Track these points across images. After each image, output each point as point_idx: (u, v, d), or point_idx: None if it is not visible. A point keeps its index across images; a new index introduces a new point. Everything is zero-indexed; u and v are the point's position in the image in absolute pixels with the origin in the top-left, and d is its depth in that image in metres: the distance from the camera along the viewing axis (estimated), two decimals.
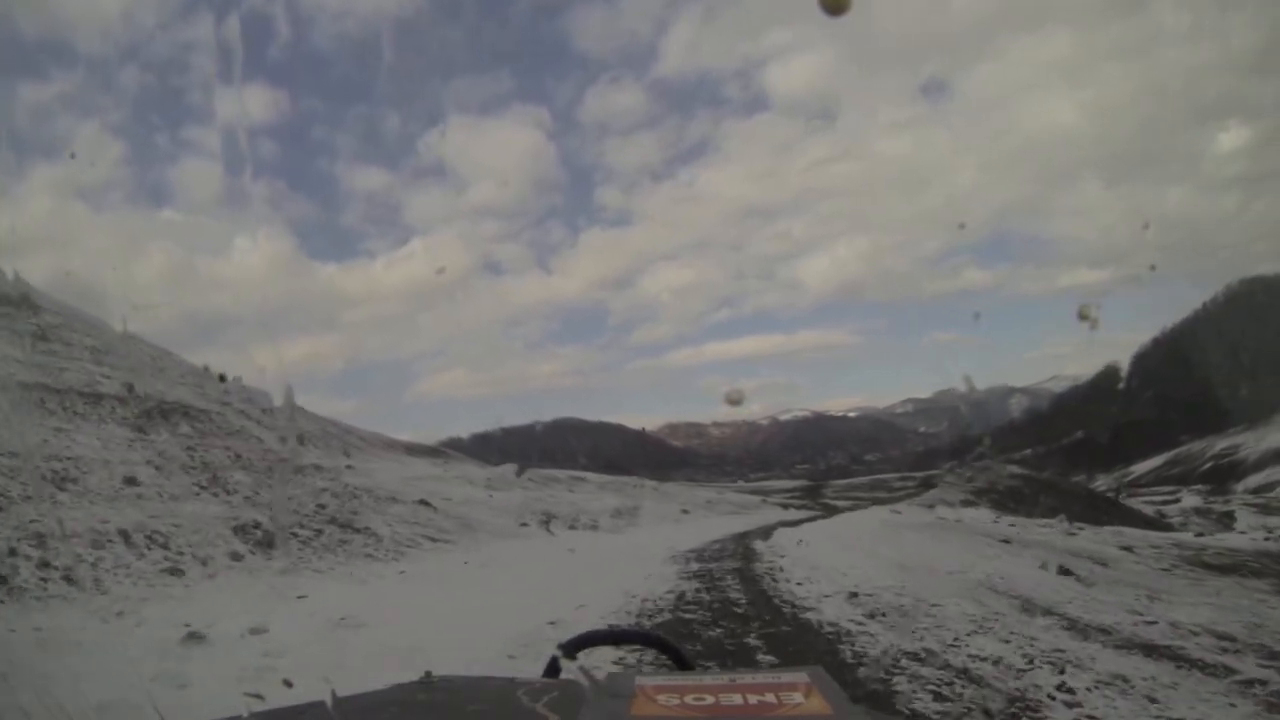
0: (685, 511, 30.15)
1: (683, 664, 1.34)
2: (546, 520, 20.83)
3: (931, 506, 33.67)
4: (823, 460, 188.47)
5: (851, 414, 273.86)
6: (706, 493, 42.39)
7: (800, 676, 0.90)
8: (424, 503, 16.92)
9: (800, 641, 6.12)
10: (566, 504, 25.64)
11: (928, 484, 57.20)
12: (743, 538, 18.42)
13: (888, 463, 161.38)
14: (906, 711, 4.08)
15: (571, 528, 21.12)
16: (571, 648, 1.26)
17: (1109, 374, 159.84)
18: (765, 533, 19.15)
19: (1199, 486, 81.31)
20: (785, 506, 40.27)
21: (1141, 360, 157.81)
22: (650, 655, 4.65)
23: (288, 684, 4.58)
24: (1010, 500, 39.83)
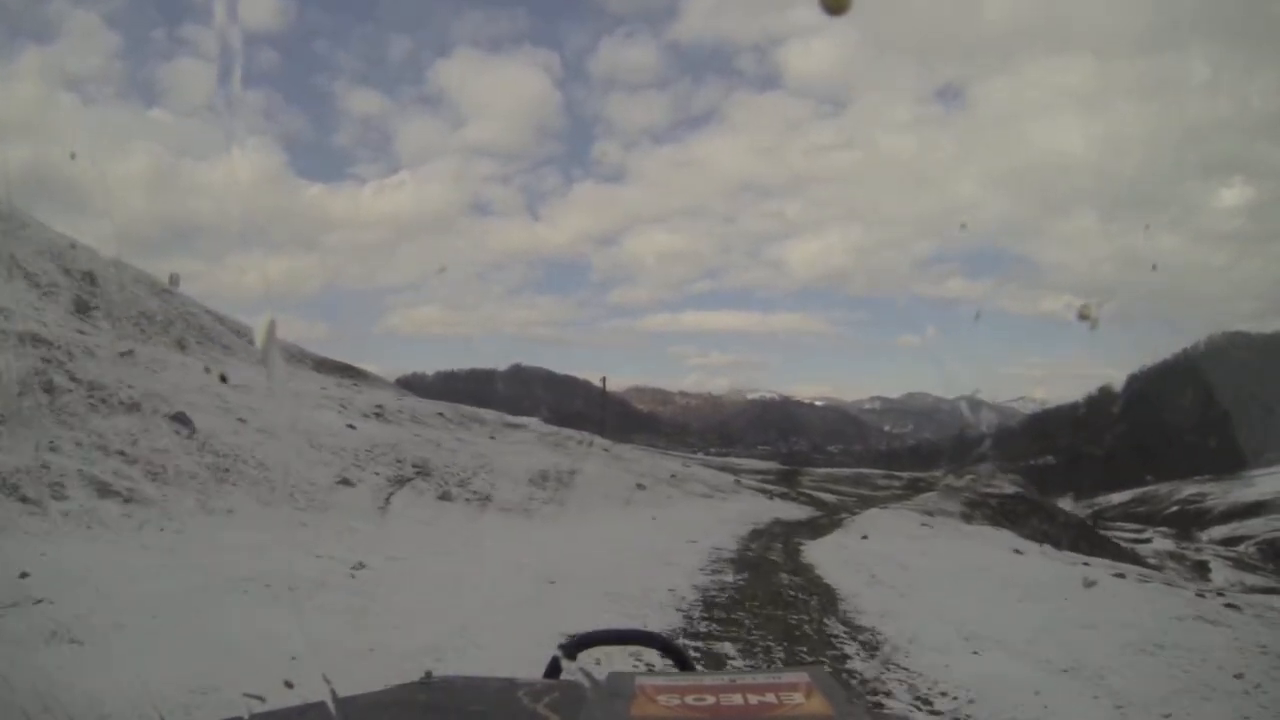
0: (640, 487, 24.42)
1: (683, 664, 1.38)
2: (399, 481, 14.35)
3: (931, 514, 29.86)
4: (785, 444, 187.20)
5: (818, 402, 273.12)
6: (670, 463, 36.83)
7: (801, 676, 0.89)
8: (180, 419, 10.75)
9: None
10: (470, 456, 19.53)
11: (914, 486, 54.12)
12: (764, 575, 11.18)
13: (850, 456, 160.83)
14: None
15: (444, 497, 14.83)
16: (572, 648, 1.29)
17: (1080, 404, 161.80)
18: (794, 560, 13.44)
19: (1164, 529, 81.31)
20: (767, 494, 34.97)
21: (1113, 396, 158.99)
22: (651, 656, 4.34)
23: (288, 685, 4.13)
24: (1002, 518, 37.87)
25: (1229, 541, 77.25)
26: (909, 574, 11.57)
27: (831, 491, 45.73)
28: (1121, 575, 12.91)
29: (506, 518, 14.77)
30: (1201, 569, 45.51)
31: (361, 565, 7.83)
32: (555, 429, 39.59)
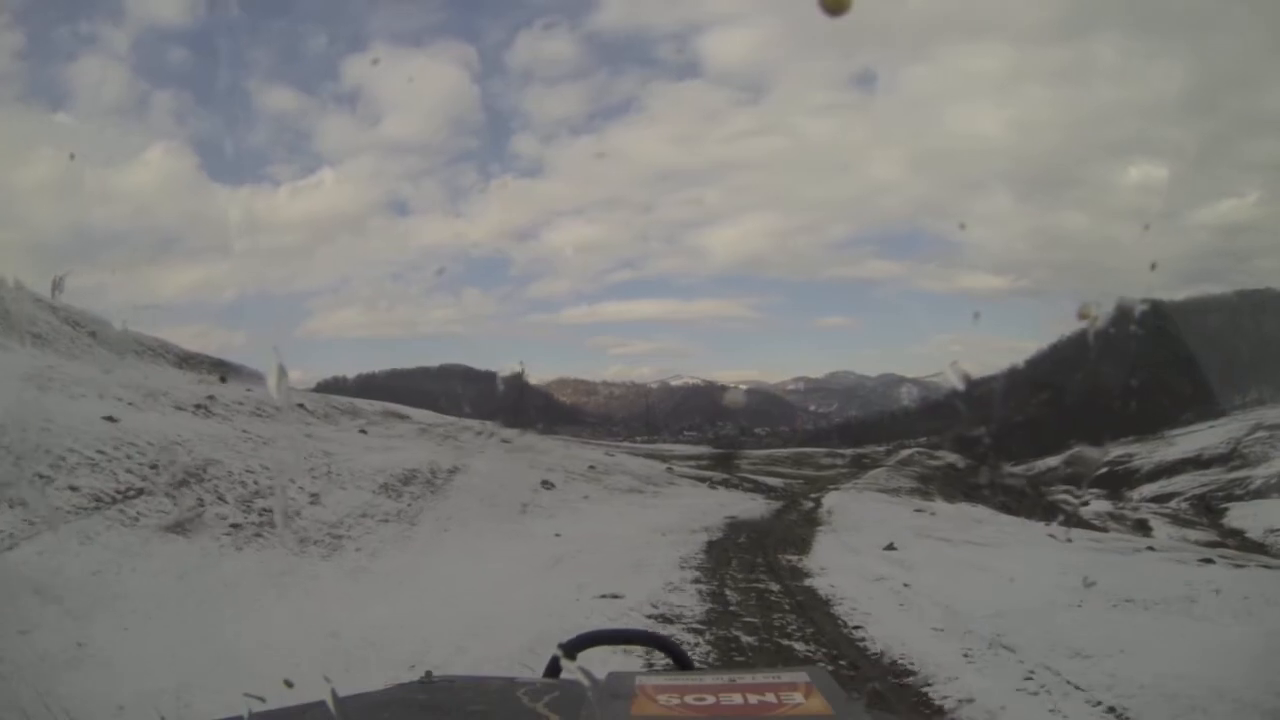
0: (547, 486, 18.26)
1: (683, 664, 1.41)
2: (114, 499, 8.54)
3: (895, 492, 29.04)
4: (712, 429, 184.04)
5: (742, 386, 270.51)
6: (591, 453, 30.74)
7: (800, 676, 0.90)
8: None
9: None
10: (301, 457, 14.58)
11: (859, 463, 50.53)
12: None
13: (777, 437, 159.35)
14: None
15: (177, 526, 9.15)
16: (572, 648, 1.33)
17: (1003, 375, 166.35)
18: (826, 632, 7.96)
19: (1095, 490, 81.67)
20: (709, 483, 28.92)
21: (1035, 365, 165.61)
22: (651, 655, 4.30)
23: (288, 684, 3.54)
24: (954, 490, 38.18)
25: (1159, 499, 77.27)
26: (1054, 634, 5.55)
27: (776, 474, 40.36)
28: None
29: (270, 560, 8.17)
30: (1143, 527, 44.62)
31: None
32: (453, 419, 33.45)
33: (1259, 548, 42.52)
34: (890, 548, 11.03)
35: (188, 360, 27.55)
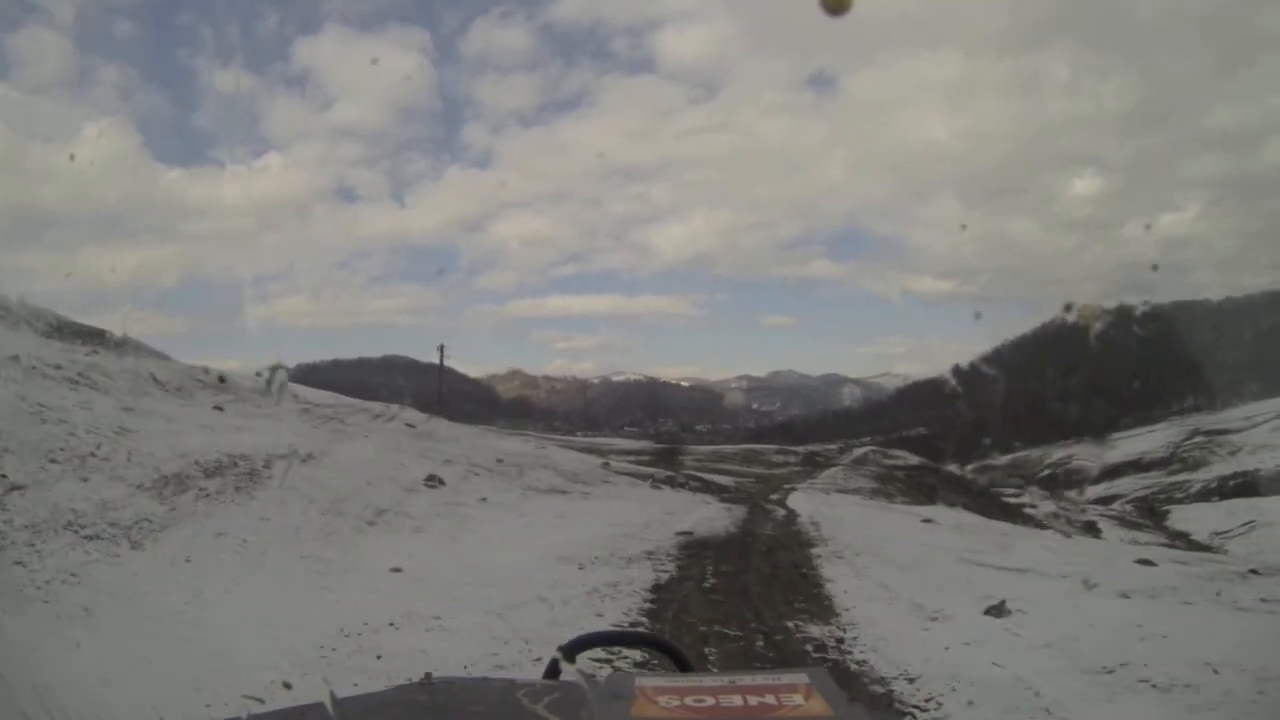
0: (432, 483, 13.42)
1: (683, 665, 1.33)
2: None
3: (856, 492, 26.15)
4: (653, 425, 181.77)
5: (684, 383, 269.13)
6: (511, 443, 25.49)
7: (800, 678, 0.89)
8: None
9: None
10: (95, 431, 7.74)
11: (811, 460, 46.85)
12: None
13: (719, 435, 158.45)
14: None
15: None
16: (572, 649, 1.25)
17: (946, 377, 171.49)
18: None
19: (1040, 491, 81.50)
20: (650, 481, 23.88)
21: (978, 368, 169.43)
22: (651, 657, 3.94)
23: (287, 685, 4.04)
24: (914, 490, 36.09)
25: (1103, 500, 78.07)
26: None
27: (725, 472, 35.62)
28: None
29: None
30: (1091, 529, 44.15)
31: None
32: (353, 401, 28.35)
33: (1207, 549, 41.63)
34: (997, 610, 6.07)
35: (62, 329, 23.29)
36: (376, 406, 26.08)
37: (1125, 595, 7.96)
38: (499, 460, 19.88)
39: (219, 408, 18.58)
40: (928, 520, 14.71)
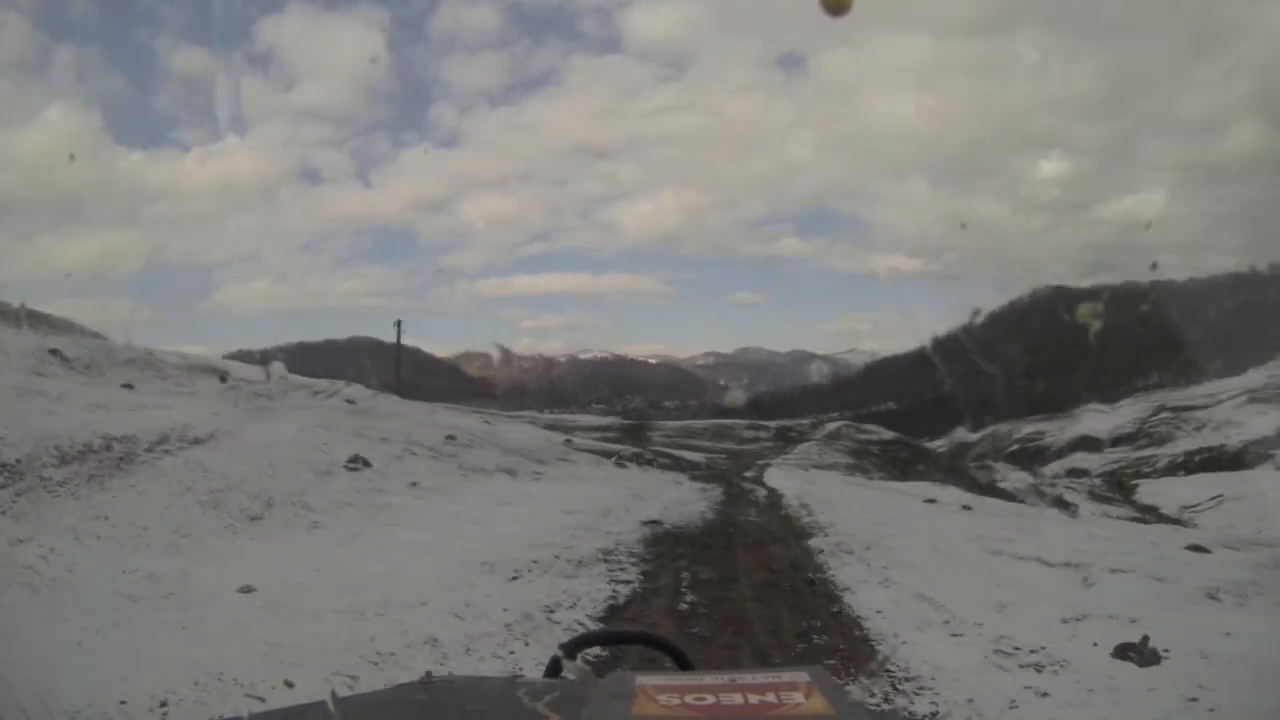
0: (355, 465, 10.91)
1: (683, 664, 1.30)
2: None
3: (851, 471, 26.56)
4: (620, 403, 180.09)
5: (652, 360, 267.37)
6: (467, 420, 23.36)
7: (801, 676, 0.88)
8: None
9: None
10: None
11: (784, 436, 45.25)
12: None
13: (686, 411, 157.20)
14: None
15: None
16: (573, 648, 1.23)
17: (915, 354, 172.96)
18: None
19: (1009, 465, 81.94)
20: (615, 459, 21.75)
21: (946, 345, 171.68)
22: (651, 655, 3.60)
23: (289, 684, 3.88)
24: (890, 466, 36.48)
25: (1072, 474, 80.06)
26: None
27: (695, 448, 33.66)
28: None
29: None
30: (1062, 503, 43.10)
31: None
32: (293, 378, 25.82)
33: (1178, 523, 41.52)
34: (1139, 653, 3.98)
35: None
36: (320, 383, 23.69)
37: (1213, 596, 6.13)
38: (447, 438, 17.70)
39: (128, 385, 16.24)
40: (931, 500, 12.81)
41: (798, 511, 11.20)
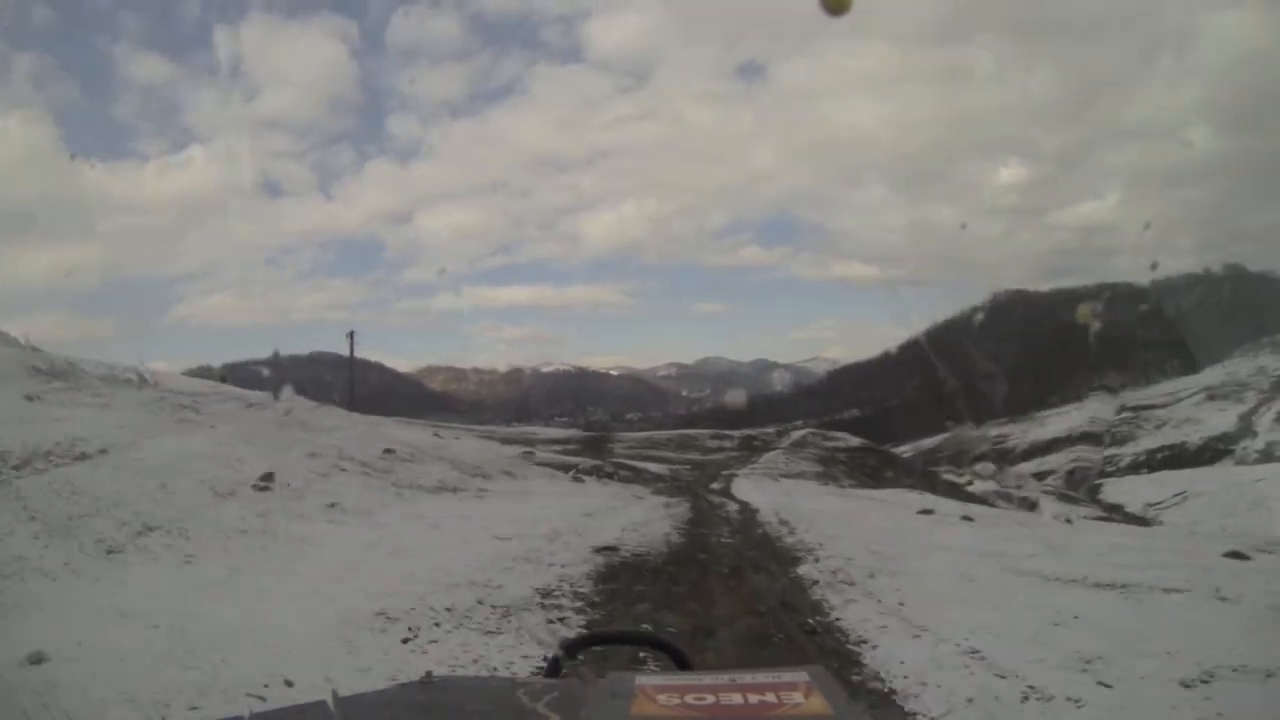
0: (264, 485, 9.03)
1: (683, 664, 1.30)
2: None
3: (823, 480, 25.21)
4: (583, 415, 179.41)
5: (614, 371, 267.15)
6: (414, 433, 21.57)
7: (800, 676, 0.87)
8: None
9: None
10: None
11: (749, 445, 44.05)
12: None
13: (650, 423, 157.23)
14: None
15: None
16: (572, 648, 1.23)
17: (877, 360, 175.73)
18: None
19: (972, 469, 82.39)
20: (573, 472, 20.11)
21: (908, 350, 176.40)
22: (651, 655, 3.61)
23: (288, 684, 3.79)
24: (859, 473, 35.10)
25: (1036, 476, 78.77)
26: None
27: (657, 459, 32.05)
28: None
29: None
30: (1029, 504, 43.72)
31: None
32: (226, 389, 24.10)
33: (1143, 521, 41.51)
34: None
35: None
36: (255, 395, 21.92)
37: None
38: (385, 451, 15.92)
39: (32, 397, 14.23)
40: (927, 512, 11.35)
41: (777, 529, 9.65)
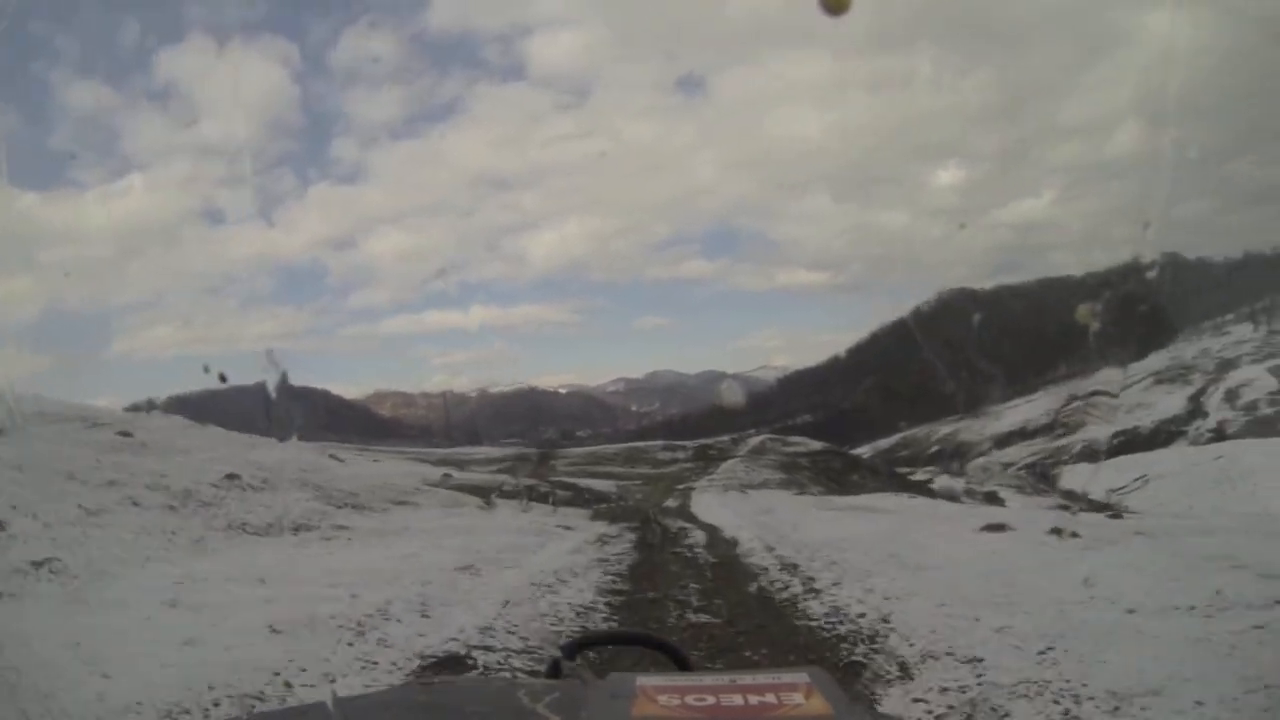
0: None
1: (683, 665, 1.30)
2: None
3: (799, 489, 24.82)
4: (533, 434, 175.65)
5: (562, 390, 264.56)
6: (290, 454, 17.31)
7: (801, 677, 0.87)
8: None
9: None
10: None
11: (704, 454, 41.66)
12: None
13: (600, 439, 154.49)
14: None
15: None
16: (573, 649, 1.22)
17: (826, 365, 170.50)
18: None
19: (931, 467, 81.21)
20: (490, 496, 15.94)
21: (857, 354, 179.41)
22: (651, 656, 3.07)
23: (287, 685, 3.68)
24: (825, 478, 34.41)
25: (997, 469, 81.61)
26: None
27: (604, 475, 28.09)
28: None
29: None
30: (993, 498, 42.20)
31: None
32: (67, 408, 20.04)
33: (1107, 507, 39.41)
34: None
35: None
36: (115, 415, 19.18)
37: None
38: (227, 476, 11.96)
39: None
40: (996, 528, 7.51)
41: (781, 581, 5.74)
